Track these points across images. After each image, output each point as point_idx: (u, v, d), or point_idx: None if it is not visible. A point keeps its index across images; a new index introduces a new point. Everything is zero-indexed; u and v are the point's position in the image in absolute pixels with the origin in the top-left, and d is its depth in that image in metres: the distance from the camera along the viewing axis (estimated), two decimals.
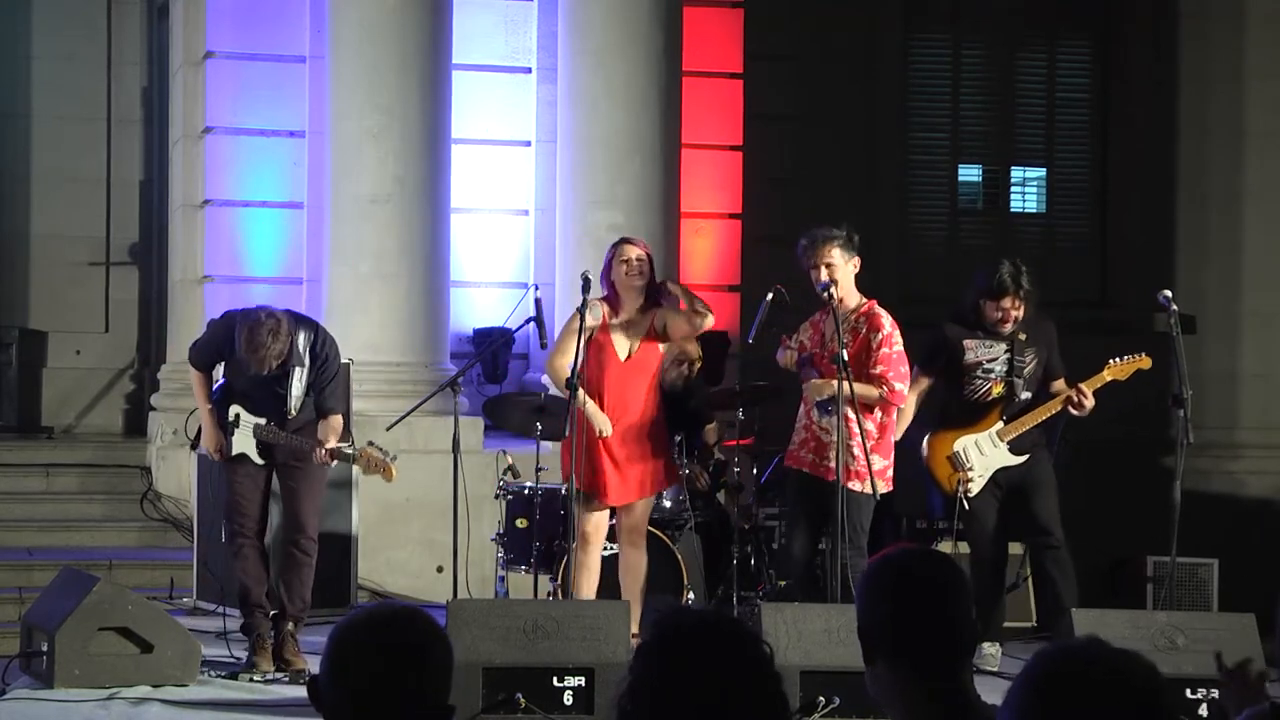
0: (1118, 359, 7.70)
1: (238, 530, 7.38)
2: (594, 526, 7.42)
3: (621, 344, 7.39)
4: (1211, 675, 6.48)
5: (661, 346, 7.45)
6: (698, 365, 8.78)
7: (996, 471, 7.75)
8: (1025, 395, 7.75)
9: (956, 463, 7.72)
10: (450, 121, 10.14)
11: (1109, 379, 7.70)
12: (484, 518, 8.85)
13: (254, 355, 7.06)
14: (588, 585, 7.40)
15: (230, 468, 7.45)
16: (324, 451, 7.25)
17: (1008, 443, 7.74)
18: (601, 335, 7.37)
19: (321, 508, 7.58)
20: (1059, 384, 7.80)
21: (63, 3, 12.40)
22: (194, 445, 7.97)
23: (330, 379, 7.36)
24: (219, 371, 7.57)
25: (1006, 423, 7.74)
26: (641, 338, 7.37)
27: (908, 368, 7.40)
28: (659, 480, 7.53)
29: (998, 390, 7.76)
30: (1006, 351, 7.75)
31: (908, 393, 7.54)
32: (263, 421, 7.36)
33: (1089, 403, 7.65)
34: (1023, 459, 7.73)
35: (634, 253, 7.35)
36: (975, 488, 7.73)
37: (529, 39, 11.10)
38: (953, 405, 7.85)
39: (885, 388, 7.27)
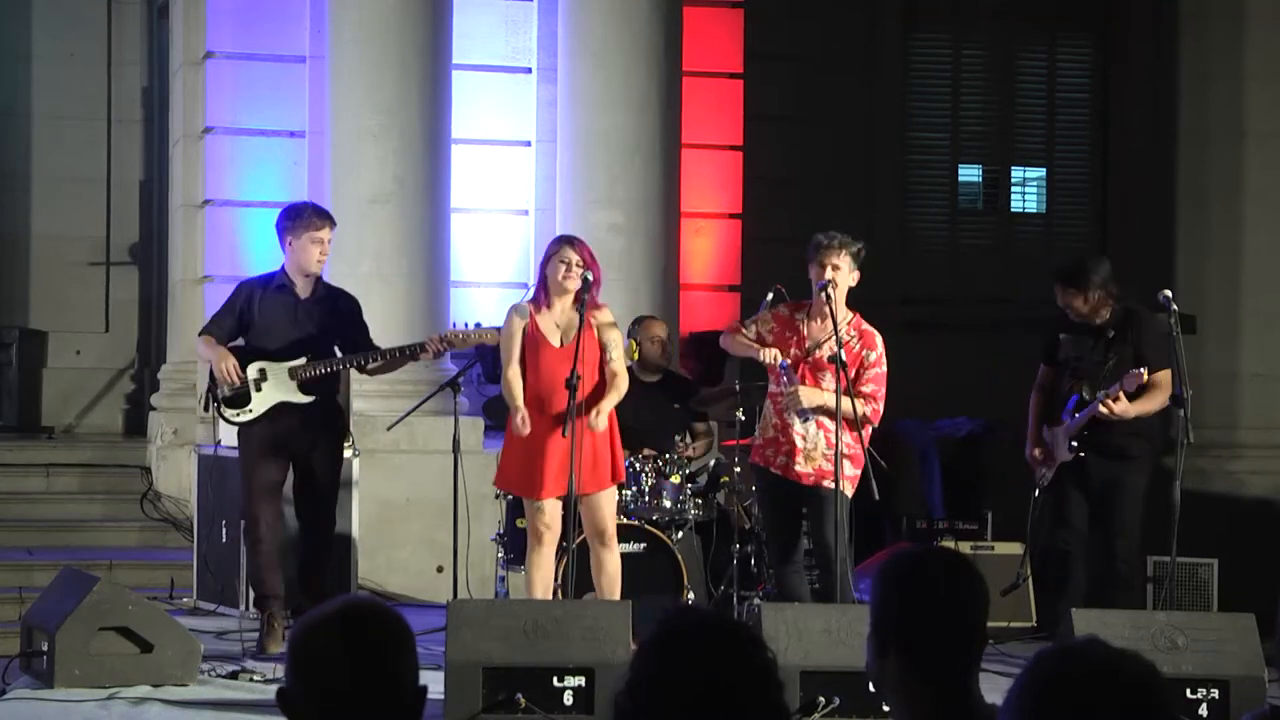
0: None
1: (253, 531, 7.52)
2: (545, 524, 7.23)
3: (553, 333, 7.25)
4: (1212, 675, 6.54)
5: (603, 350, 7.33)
6: (667, 341, 9.01)
7: (1077, 467, 7.83)
8: (1103, 393, 7.74)
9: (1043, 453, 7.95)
10: (450, 121, 10.14)
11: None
12: (484, 518, 8.84)
13: (319, 219, 7.45)
14: (541, 585, 7.25)
15: (248, 469, 7.50)
16: (436, 338, 7.47)
17: (1069, 439, 7.83)
18: (532, 331, 7.28)
19: (337, 492, 7.70)
20: (1155, 378, 7.72)
21: (63, 3, 12.40)
22: (206, 404, 7.73)
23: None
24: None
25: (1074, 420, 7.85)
26: (576, 330, 7.14)
27: (884, 390, 7.40)
28: (603, 475, 7.29)
29: (1076, 387, 7.87)
30: (1091, 350, 7.85)
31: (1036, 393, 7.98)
32: (300, 362, 7.38)
33: (1114, 409, 7.63)
34: (1073, 456, 7.80)
35: (573, 257, 7.21)
36: (1046, 479, 7.92)
37: (529, 39, 11.10)
38: (1056, 398, 8.01)
39: (871, 406, 7.27)
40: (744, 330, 7.51)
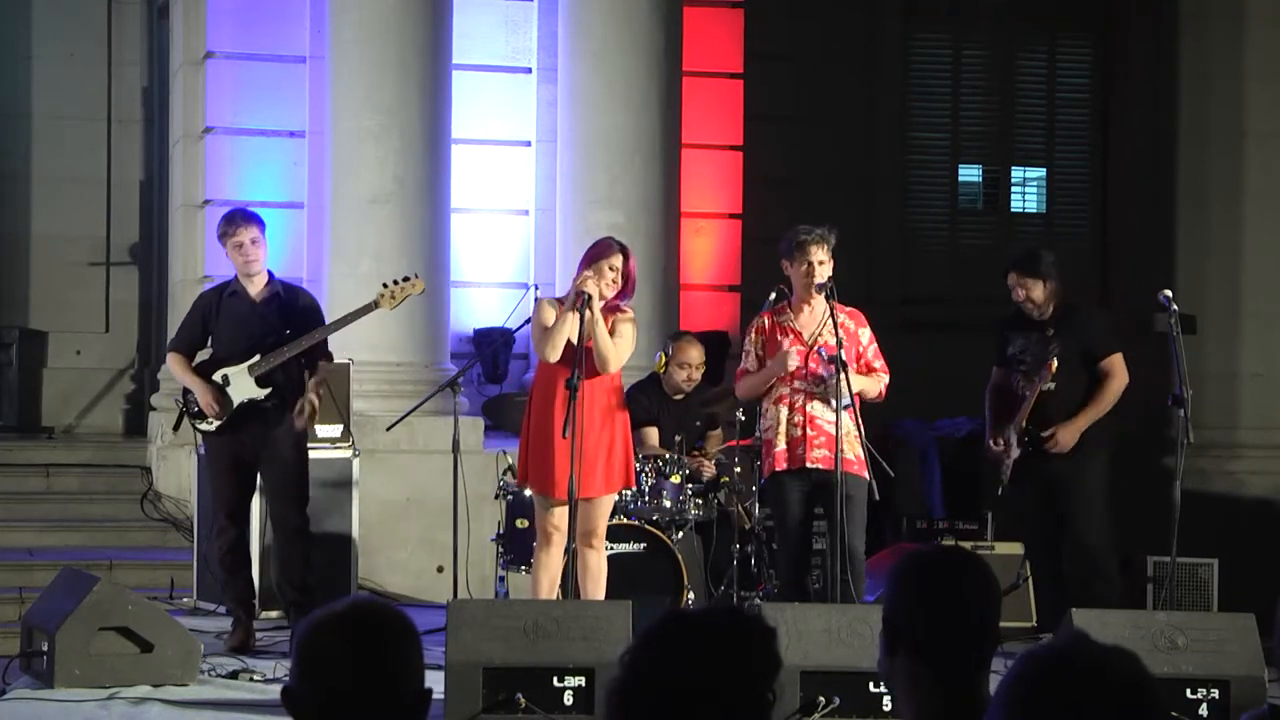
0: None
1: (219, 537, 7.80)
2: (555, 525, 7.21)
3: (574, 332, 7.10)
4: (1212, 675, 6.54)
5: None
6: (699, 369, 8.78)
7: (1035, 466, 8.01)
8: (1048, 387, 7.95)
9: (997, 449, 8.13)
10: (450, 121, 10.14)
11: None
12: (484, 518, 8.85)
13: (234, 226, 7.62)
14: (547, 584, 7.25)
15: (215, 474, 7.79)
16: (314, 390, 7.62)
17: (1016, 436, 8.01)
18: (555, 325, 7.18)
19: (307, 484, 7.81)
20: (1108, 362, 8.01)
21: (63, 3, 12.39)
22: (177, 425, 8.12)
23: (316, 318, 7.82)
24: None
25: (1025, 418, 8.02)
26: (579, 330, 7.02)
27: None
28: (615, 479, 7.29)
29: (1023, 383, 8.04)
30: (1038, 344, 8.02)
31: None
32: (256, 359, 7.61)
33: (1062, 441, 7.94)
34: (1017, 453, 8.01)
35: (620, 266, 7.14)
36: (1005, 476, 8.10)
37: (529, 39, 11.10)
38: (1007, 396, 8.18)
39: (885, 377, 7.45)
40: (748, 370, 7.54)
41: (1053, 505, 8.11)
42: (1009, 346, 8.18)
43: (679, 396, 8.79)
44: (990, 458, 8.21)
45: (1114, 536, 8.23)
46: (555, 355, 7.11)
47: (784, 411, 7.42)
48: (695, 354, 8.82)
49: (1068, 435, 7.88)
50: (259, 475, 7.81)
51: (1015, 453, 8.02)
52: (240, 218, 7.81)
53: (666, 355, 8.80)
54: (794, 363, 7.36)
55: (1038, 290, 8.02)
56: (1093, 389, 8.04)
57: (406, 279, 7.89)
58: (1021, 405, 7.94)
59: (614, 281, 7.14)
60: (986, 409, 8.31)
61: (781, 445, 7.44)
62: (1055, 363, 7.78)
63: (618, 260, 7.17)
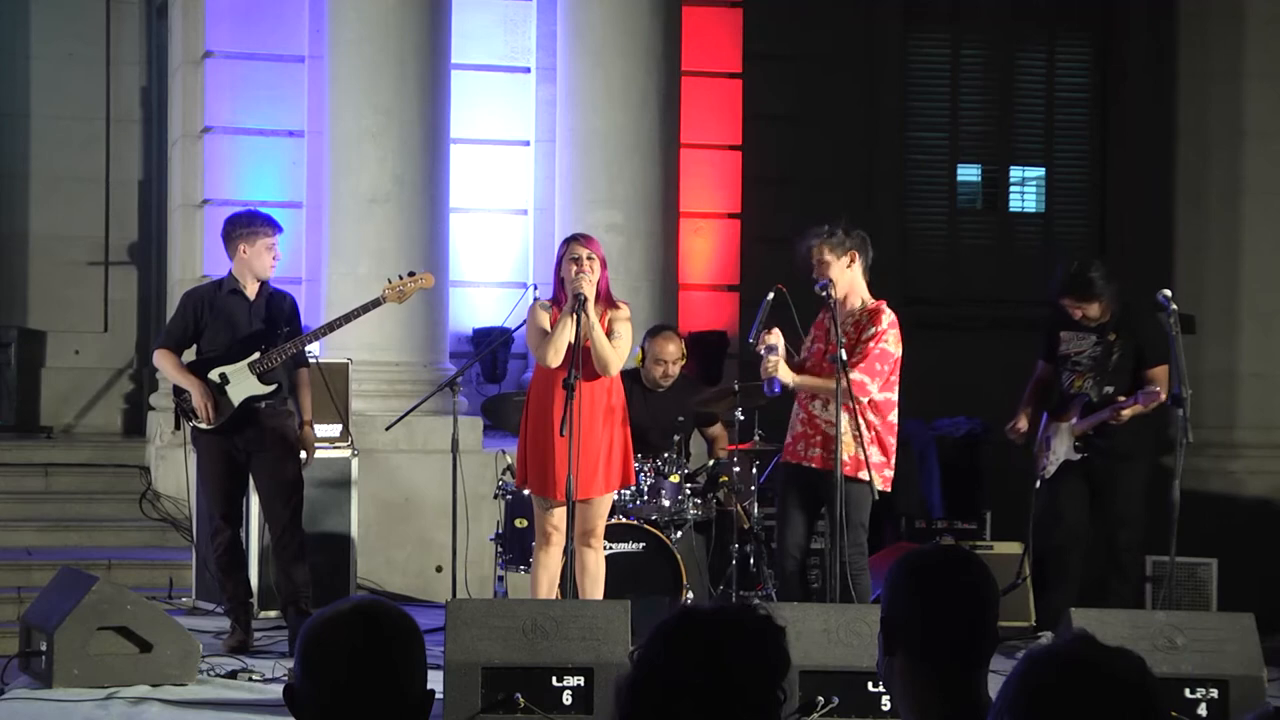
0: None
1: (215, 537, 7.80)
2: (554, 526, 7.20)
3: (572, 333, 7.08)
4: (1211, 675, 6.54)
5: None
6: (677, 364, 8.76)
7: (1078, 464, 8.07)
8: (1107, 390, 8.02)
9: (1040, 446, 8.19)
10: (449, 121, 10.14)
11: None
12: (483, 518, 8.85)
13: (270, 226, 7.67)
14: (546, 584, 7.25)
15: (208, 474, 7.77)
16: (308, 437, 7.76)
17: (1074, 439, 8.07)
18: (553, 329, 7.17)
19: (301, 483, 7.78)
20: (1154, 372, 8.01)
21: (63, 3, 12.40)
22: (177, 424, 8.12)
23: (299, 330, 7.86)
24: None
25: (1080, 419, 8.04)
26: (576, 328, 7.01)
27: (887, 368, 7.22)
28: (613, 479, 7.28)
29: (1079, 384, 8.08)
30: (1096, 345, 8.08)
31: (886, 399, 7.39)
32: (255, 356, 7.62)
33: (1124, 416, 7.94)
34: (1079, 457, 8.06)
35: (583, 252, 7.14)
36: (1048, 472, 8.15)
37: (528, 39, 11.10)
38: (1053, 393, 8.22)
39: (853, 376, 7.06)
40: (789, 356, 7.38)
41: (1095, 504, 8.15)
42: (1061, 345, 8.19)
43: (658, 388, 8.76)
44: (1016, 440, 8.26)
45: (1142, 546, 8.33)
46: (557, 360, 7.11)
47: (795, 406, 7.45)
48: (673, 349, 8.79)
49: (1130, 412, 7.91)
50: (251, 474, 7.82)
51: (1069, 455, 8.06)
52: (268, 220, 7.82)
53: (644, 350, 8.78)
54: (765, 344, 7.17)
55: (1094, 309, 8.05)
56: (1139, 387, 8.02)
57: (412, 274, 7.90)
58: (1093, 417, 7.96)
59: (592, 268, 7.10)
60: (1025, 399, 8.29)
61: (788, 438, 7.46)
62: (1162, 395, 7.80)
63: (580, 248, 7.16)
